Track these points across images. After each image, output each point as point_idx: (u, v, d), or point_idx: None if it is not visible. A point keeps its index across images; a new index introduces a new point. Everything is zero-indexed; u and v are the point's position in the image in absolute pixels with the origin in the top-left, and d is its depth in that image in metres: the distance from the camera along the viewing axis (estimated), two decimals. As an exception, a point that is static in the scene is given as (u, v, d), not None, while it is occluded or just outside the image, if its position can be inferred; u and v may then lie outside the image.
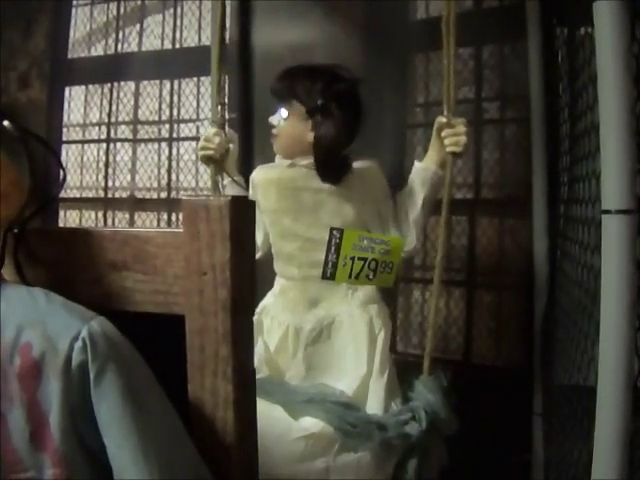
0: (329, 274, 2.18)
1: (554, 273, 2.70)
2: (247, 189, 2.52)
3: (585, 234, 1.84)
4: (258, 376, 2.21)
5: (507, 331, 3.09)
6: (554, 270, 2.70)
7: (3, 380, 1.12)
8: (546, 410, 2.73)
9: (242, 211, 1.23)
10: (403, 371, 2.40)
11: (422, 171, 2.34)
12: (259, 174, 2.48)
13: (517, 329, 3.04)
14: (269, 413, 2.12)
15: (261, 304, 2.50)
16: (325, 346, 2.37)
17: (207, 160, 2.50)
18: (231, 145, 2.51)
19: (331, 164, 2.31)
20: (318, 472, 2.11)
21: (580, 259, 1.93)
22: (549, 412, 2.65)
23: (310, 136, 2.31)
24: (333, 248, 2.15)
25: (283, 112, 2.33)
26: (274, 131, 2.37)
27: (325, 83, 2.31)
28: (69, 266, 1.40)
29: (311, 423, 2.16)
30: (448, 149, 2.26)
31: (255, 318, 2.43)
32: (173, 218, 3.95)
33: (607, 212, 1.36)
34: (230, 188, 2.51)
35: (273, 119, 2.36)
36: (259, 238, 2.53)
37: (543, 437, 2.76)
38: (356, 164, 2.34)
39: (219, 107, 2.52)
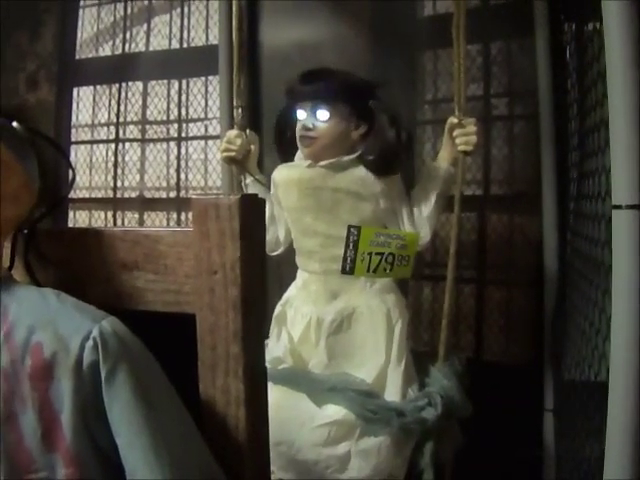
0: (348, 269, 2.24)
1: (564, 269, 2.69)
2: (269, 187, 2.57)
3: (595, 229, 1.83)
4: (283, 366, 2.34)
5: (517, 327, 3.09)
6: (564, 266, 2.70)
7: (15, 381, 1.12)
8: (557, 406, 2.73)
9: (252, 209, 1.23)
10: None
11: (435, 169, 2.41)
12: (280, 173, 2.53)
13: (527, 325, 3.03)
14: (295, 402, 2.29)
15: (284, 296, 2.58)
16: (346, 336, 2.43)
17: (230, 161, 2.57)
18: (252, 146, 2.57)
19: (394, 159, 2.39)
20: (341, 456, 2.21)
21: (590, 254, 1.92)
22: (560, 408, 2.65)
23: (355, 135, 2.40)
24: (351, 245, 2.22)
25: (323, 114, 2.35)
26: (312, 134, 2.37)
27: (365, 84, 2.41)
28: (80, 266, 1.41)
29: (334, 411, 2.26)
30: (459, 148, 2.32)
31: (279, 310, 2.55)
32: (182, 217, 3.95)
33: (617, 207, 1.35)
34: (252, 187, 2.58)
35: (307, 121, 2.37)
36: (281, 234, 2.62)
37: (554, 433, 2.76)
38: None
39: (240, 109, 2.56)
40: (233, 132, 2.54)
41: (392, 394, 2.32)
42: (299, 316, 2.50)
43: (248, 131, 2.57)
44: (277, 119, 2.57)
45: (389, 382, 2.35)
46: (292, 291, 2.58)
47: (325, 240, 2.42)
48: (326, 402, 2.28)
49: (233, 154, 2.52)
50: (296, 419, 2.25)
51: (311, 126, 2.36)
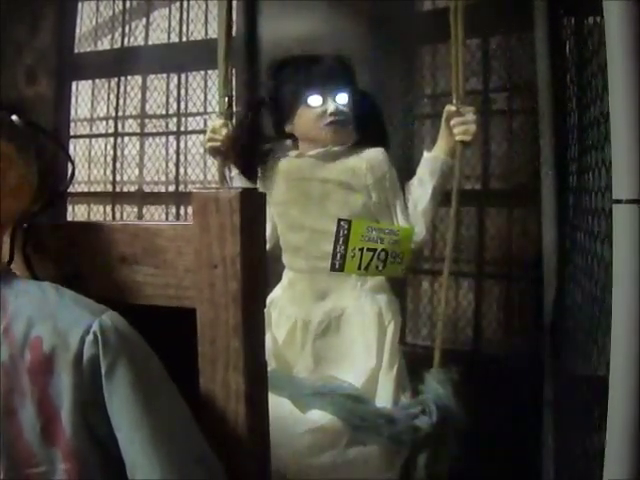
0: (338, 266, 2.16)
1: (563, 263, 2.70)
2: (255, 181, 2.49)
3: (595, 224, 1.83)
4: None
5: (517, 321, 3.09)
6: (563, 260, 2.70)
7: (14, 375, 1.12)
8: (556, 400, 2.73)
9: (252, 203, 1.23)
10: (412, 363, 2.40)
11: (431, 160, 2.31)
12: (266, 165, 2.45)
13: (527, 319, 3.04)
14: (277, 406, 2.04)
15: (269, 297, 2.44)
16: (334, 339, 2.35)
17: (214, 152, 2.49)
18: None
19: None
20: (326, 466, 2.08)
21: (590, 249, 1.92)
22: (559, 402, 2.65)
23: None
24: (341, 239, 2.12)
25: (345, 97, 2.32)
26: (342, 118, 2.31)
27: None
28: (79, 260, 1.41)
29: (319, 416, 2.13)
30: (457, 138, 2.25)
31: None
32: (181, 212, 3.95)
33: (618, 202, 1.35)
34: (237, 180, 2.48)
35: (338, 105, 2.31)
36: (267, 230, 2.41)
37: (553, 427, 2.76)
38: (364, 152, 2.34)
39: (226, 99, 2.51)
40: (218, 122, 2.47)
41: (383, 400, 2.22)
42: (284, 318, 2.42)
43: (234, 121, 2.53)
44: (250, 118, 2.44)
45: (380, 387, 2.25)
46: (277, 291, 2.48)
47: (312, 235, 2.35)
48: (310, 407, 2.16)
49: (218, 144, 2.45)
50: (277, 425, 1.96)
51: (340, 110, 2.30)
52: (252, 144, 2.39)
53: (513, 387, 2.76)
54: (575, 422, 2.10)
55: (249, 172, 2.39)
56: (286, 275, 2.49)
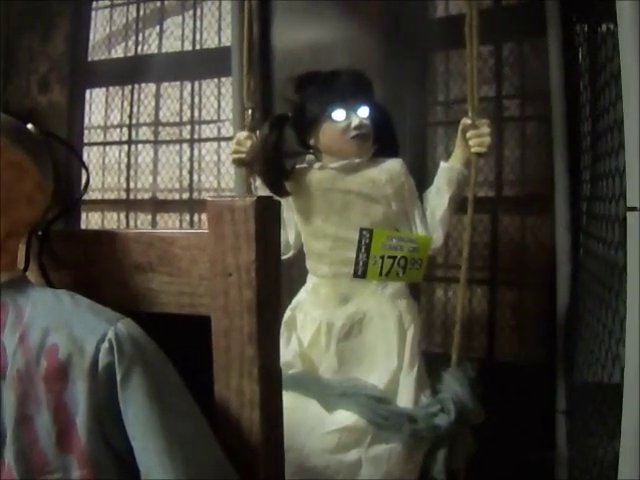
0: (360, 273, 2.23)
1: (576, 270, 2.69)
2: (282, 195, 2.51)
3: (609, 231, 1.83)
4: (293, 370, 2.31)
5: (530, 329, 3.08)
6: (576, 267, 2.70)
7: (29, 382, 1.13)
8: (570, 408, 2.72)
9: (267, 211, 1.23)
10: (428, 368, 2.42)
11: (448, 171, 2.38)
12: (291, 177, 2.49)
13: (540, 326, 3.03)
14: (304, 407, 2.25)
15: (295, 300, 2.55)
16: (356, 341, 2.40)
17: (239, 163, 2.58)
18: None
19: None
20: (351, 463, 2.17)
21: (603, 256, 1.92)
22: (573, 410, 2.64)
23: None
24: (363, 248, 2.20)
25: (366, 110, 2.36)
26: (364, 131, 2.36)
27: None
28: (94, 268, 1.41)
29: (345, 416, 2.22)
30: (473, 150, 2.32)
31: (289, 314, 2.51)
32: (195, 219, 3.95)
33: (632, 209, 1.35)
34: (262, 190, 2.53)
35: (361, 119, 2.35)
36: (291, 237, 2.58)
37: (567, 435, 2.75)
38: (383, 164, 2.39)
39: (250, 111, 2.56)
40: (243, 134, 2.55)
41: (404, 400, 2.29)
42: (309, 320, 2.48)
43: (258, 133, 2.56)
44: (275, 135, 2.39)
45: (401, 388, 2.32)
46: (302, 295, 2.55)
47: (335, 243, 2.40)
48: (337, 407, 2.26)
49: (243, 156, 2.53)
50: (305, 424, 2.21)
51: (362, 123, 2.34)
52: (277, 161, 2.40)
53: (526, 394, 2.76)
54: (589, 430, 2.09)
55: (277, 189, 2.40)
56: (310, 280, 2.54)
